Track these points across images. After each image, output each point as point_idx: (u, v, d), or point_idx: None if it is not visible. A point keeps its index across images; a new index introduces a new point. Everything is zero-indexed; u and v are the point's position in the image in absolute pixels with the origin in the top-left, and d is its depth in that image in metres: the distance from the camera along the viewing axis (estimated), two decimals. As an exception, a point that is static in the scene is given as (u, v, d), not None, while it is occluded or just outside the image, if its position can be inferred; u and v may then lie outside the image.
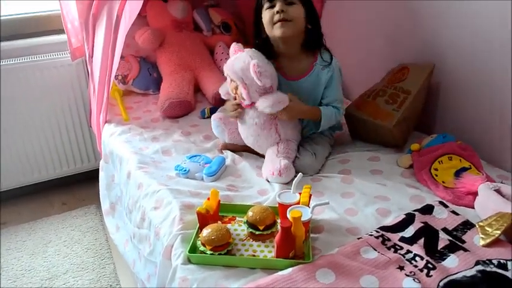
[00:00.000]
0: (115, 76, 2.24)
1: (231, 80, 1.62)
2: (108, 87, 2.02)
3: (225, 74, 1.64)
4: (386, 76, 1.92)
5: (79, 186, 2.74)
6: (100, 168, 2.11)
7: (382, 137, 1.78)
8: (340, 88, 1.75)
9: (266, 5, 1.62)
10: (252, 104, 1.60)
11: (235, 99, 1.67)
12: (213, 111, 2.11)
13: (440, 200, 1.41)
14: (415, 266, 1.14)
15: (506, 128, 1.61)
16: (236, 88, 1.61)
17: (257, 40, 1.71)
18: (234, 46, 1.67)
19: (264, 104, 1.56)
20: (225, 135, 1.79)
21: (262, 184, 1.57)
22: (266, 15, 1.62)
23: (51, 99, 2.49)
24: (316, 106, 1.71)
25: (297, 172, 1.53)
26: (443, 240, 1.21)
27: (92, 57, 2.22)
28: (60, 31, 2.38)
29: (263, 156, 1.71)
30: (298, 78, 1.70)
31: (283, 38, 1.62)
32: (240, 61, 1.58)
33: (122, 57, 2.23)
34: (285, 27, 1.58)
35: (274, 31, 1.61)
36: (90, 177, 2.60)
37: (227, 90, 1.71)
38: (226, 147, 1.83)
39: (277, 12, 1.57)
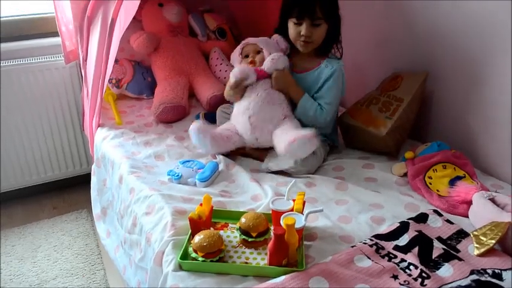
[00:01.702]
0: (109, 80, 2.22)
1: (255, 51, 1.80)
2: (101, 91, 2.00)
3: (250, 42, 1.83)
4: (380, 85, 1.92)
5: (70, 190, 2.71)
6: (92, 172, 2.09)
7: (375, 145, 1.77)
8: (336, 91, 1.74)
9: (294, 20, 1.70)
10: (266, 75, 1.73)
11: (252, 63, 1.78)
12: (207, 116, 2.10)
13: (434, 208, 1.40)
14: (409, 275, 1.13)
15: (500, 136, 1.61)
16: (257, 53, 1.80)
17: (279, 34, 1.82)
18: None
19: (269, 58, 1.74)
20: (208, 144, 1.70)
21: (256, 190, 1.55)
22: (292, 29, 1.73)
23: (44, 102, 2.46)
24: (303, 91, 1.75)
25: (294, 169, 1.62)
26: (438, 249, 1.21)
27: (86, 60, 2.20)
28: (55, 34, 2.36)
29: (257, 159, 1.74)
30: (303, 71, 1.79)
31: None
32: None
33: (116, 61, 2.22)
34: (307, 47, 1.73)
35: (297, 45, 1.76)
36: (82, 182, 2.57)
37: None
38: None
39: (303, 35, 1.68)
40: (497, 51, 1.56)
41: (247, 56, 1.82)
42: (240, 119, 1.73)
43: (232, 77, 1.73)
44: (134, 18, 1.83)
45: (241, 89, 1.74)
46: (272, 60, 1.74)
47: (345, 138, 1.91)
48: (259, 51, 1.80)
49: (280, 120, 1.69)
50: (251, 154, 1.80)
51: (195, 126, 1.70)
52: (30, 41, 2.43)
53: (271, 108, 1.70)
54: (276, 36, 1.81)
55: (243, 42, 1.86)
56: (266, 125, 1.68)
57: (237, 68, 1.76)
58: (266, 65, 1.74)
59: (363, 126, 1.75)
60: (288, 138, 1.55)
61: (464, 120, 1.74)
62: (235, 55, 1.87)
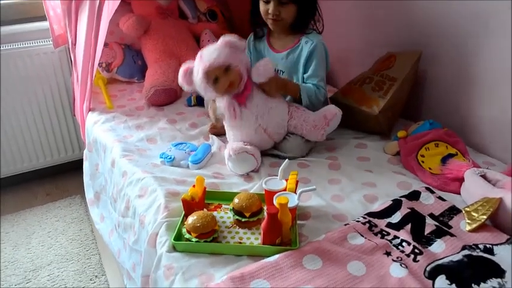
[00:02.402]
0: (99, 64, 2.20)
1: (222, 70, 1.48)
2: (91, 75, 1.99)
3: (209, 66, 1.47)
4: (374, 65, 1.92)
5: (63, 176, 2.71)
6: (84, 157, 2.08)
7: (368, 124, 1.77)
8: (322, 66, 1.74)
9: None
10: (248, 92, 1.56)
11: (231, 86, 1.52)
12: (199, 98, 2.09)
13: (426, 186, 1.41)
14: (402, 252, 1.13)
15: (492, 115, 1.62)
16: (226, 71, 1.49)
17: (253, 18, 1.80)
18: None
19: (255, 73, 1.54)
20: (255, 162, 1.55)
21: (248, 171, 1.56)
22: (261, 6, 1.70)
23: (34, 88, 2.44)
24: (296, 82, 1.74)
25: (284, 153, 1.61)
26: (430, 225, 1.21)
27: (75, 44, 2.18)
28: (42, 18, 2.33)
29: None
30: (283, 50, 1.78)
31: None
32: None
33: (105, 44, 2.19)
34: (276, 24, 1.71)
35: (267, 22, 1.74)
36: (74, 168, 2.56)
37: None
38: (215, 127, 1.82)
39: (270, 13, 1.67)
40: (490, 30, 1.56)
41: (216, 79, 1.49)
42: (254, 135, 1.60)
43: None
44: (123, 0, 1.80)
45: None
46: (263, 68, 1.54)
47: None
48: (227, 68, 1.48)
49: (286, 114, 1.66)
50: None
51: (231, 148, 1.53)
52: (17, 25, 2.40)
53: (277, 111, 1.62)
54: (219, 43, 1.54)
55: (205, 66, 1.47)
56: (279, 127, 1.64)
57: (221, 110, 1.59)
58: (256, 79, 1.55)
59: (356, 105, 1.75)
60: (320, 118, 1.61)
61: (456, 99, 1.74)
62: (202, 85, 1.51)
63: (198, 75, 1.49)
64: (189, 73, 1.54)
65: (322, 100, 1.75)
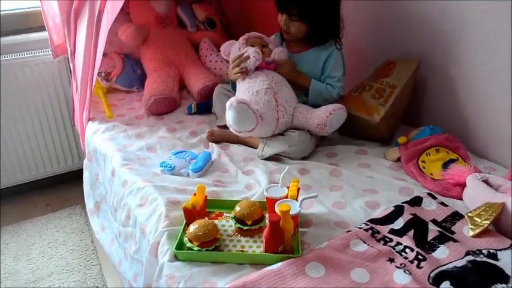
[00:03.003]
0: (98, 73, 2.20)
1: (261, 44, 1.81)
2: (91, 85, 1.99)
3: (255, 36, 1.84)
4: (374, 73, 1.91)
5: (63, 186, 2.70)
6: (84, 167, 2.07)
7: (368, 132, 1.77)
8: (340, 69, 1.81)
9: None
10: (271, 67, 1.74)
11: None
12: (200, 106, 2.09)
13: (428, 191, 1.40)
14: (406, 258, 1.13)
15: (492, 120, 1.62)
16: (263, 47, 1.80)
17: None
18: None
19: (279, 49, 1.78)
20: (253, 118, 1.60)
21: (249, 179, 1.55)
22: (279, 16, 1.79)
23: (33, 98, 2.44)
24: (308, 77, 1.79)
25: (289, 147, 1.65)
26: (433, 231, 1.21)
27: (74, 54, 2.18)
28: (41, 28, 2.33)
29: (251, 146, 1.76)
30: (299, 52, 1.85)
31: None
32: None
33: (105, 54, 2.19)
34: (287, 37, 1.83)
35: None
36: (74, 178, 2.56)
37: (229, 50, 1.86)
38: (213, 134, 1.82)
39: (281, 26, 1.78)
40: (490, 37, 1.56)
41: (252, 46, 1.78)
42: (264, 97, 1.65)
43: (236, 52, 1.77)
44: (122, 10, 1.81)
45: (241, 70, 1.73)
46: (282, 50, 1.78)
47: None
48: (264, 45, 1.82)
49: (293, 107, 1.70)
50: (245, 141, 1.79)
51: (236, 98, 1.58)
52: (16, 36, 2.40)
53: (289, 91, 1.72)
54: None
55: (247, 34, 1.84)
56: (288, 105, 1.68)
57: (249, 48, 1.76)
58: (277, 55, 1.76)
59: (356, 113, 1.74)
60: (324, 112, 1.64)
61: (457, 105, 1.74)
62: (237, 47, 1.83)
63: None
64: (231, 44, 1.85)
65: (335, 97, 1.79)
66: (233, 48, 1.85)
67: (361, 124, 1.75)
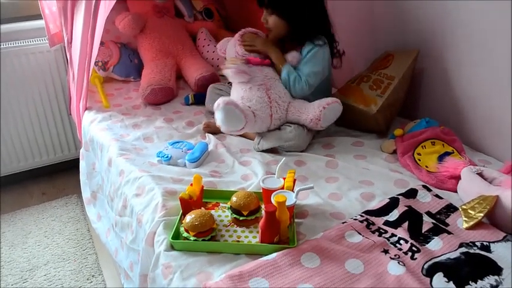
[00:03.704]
0: (95, 63, 2.19)
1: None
2: (87, 74, 1.98)
3: (250, 31, 1.84)
4: (372, 64, 1.92)
5: (59, 175, 2.69)
6: (80, 156, 2.07)
7: (365, 123, 1.77)
8: (314, 66, 1.72)
9: None
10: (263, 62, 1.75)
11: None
12: (197, 97, 2.09)
13: (423, 184, 1.41)
14: (400, 249, 1.14)
15: (488, 113, 1.62)
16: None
17: None
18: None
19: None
20: (242, 118, 1.60)
21: (246, 169, 1.55)
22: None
23: (29, 86, 2.43)
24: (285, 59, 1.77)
25: (285, 142, 1.65)
26: (427, 223, 1.22)
27: (71, 43, 2.17)
28: (38, 16, 2.31)
29: (248, 137, 1.76)
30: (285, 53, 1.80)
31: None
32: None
33: (102, 43, 2.18)
34: (268, 32, 1.80)
35: None
36: (71, 167, 2.56)
37: (225, 48, 1.86)
38: (209, 125, 1.82)
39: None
40: (487, 29, 1.56)
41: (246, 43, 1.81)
42: (256, 93, 1.67)
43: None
44: (119, -2, 1.80)
45: None
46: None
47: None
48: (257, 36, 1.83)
49: (287, 102, 1.70)
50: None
51: (223, 99, 1.58)
52: (12, 24, 2.38)
53: (283, 87, 1.72)
54: None
55: (242, 30, 1.84)
56: (281, 100, 1.68)
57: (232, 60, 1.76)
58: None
59: (354, 104, 1.75)
60: (318, 107, 1.63)
61: (453, 97, 1.75)
62: (232, 43, 1.83)
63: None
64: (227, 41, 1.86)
65: (297, 90, 1.72)
66: (229, 45, 1.85)
67: (358, 115, 1.76)
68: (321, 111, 1.62)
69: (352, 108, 1.75)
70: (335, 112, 1.66)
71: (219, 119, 1.59)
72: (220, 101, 1.57)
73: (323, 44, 1.73)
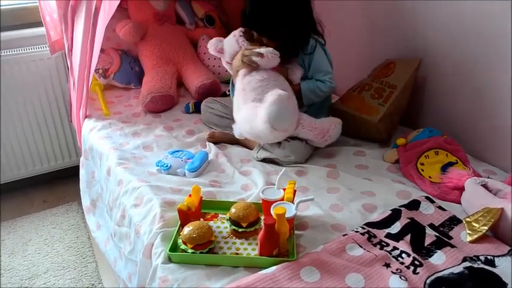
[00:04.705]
0: (95, 70, 2.19)
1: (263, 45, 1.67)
2: (88, 81, 1.97)
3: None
4: (373, 72, 1.90)
5: (60, 183, 2.68)
6: (80, 164, 2.06)
7: (367, 132, 1.75)
8: (326, 62, 1.73)
9: None
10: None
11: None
12: (197, 106, 2.07)
13: (426, 195, 1.39)
14: (402, 263, 1.11)
15: (492, 122, 1.60)
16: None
17: None
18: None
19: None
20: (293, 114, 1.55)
21: (246, 179, 1.54)
22: None
23: (30, 94, 2.42)
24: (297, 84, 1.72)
25: (285, 156, 1.61)
26: (430, 236, 1.19)
27: (72, 50, 2.16)
28: (38, 24, 2.31)
29: (247, 147, 1.74)
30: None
31: None
32: None
33: (102, 50, 2.18)
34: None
35: None
36: (72, 174, 2.54)
37: (220, 46, 1.76)
38: (214, 136, 1.80)
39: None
40: (490, 37, 1.54)
41: (251, 37, 1.70)
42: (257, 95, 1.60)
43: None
44: (120, 6, 1.79)
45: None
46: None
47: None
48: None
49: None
50: (241, 142, 1.77)
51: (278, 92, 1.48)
52: (13, 31, 2.38)
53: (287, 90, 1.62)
54: None
55: (240, 29, 1.75)
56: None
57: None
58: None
59: (356, 112, 1.73)
60: (329, 123, 1.64)
61: (456, 107, 1.73)
62: (233, 39, 1.73)
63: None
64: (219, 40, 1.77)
65: (327, 91, 1.72)
66: (228, 42, 1.74)
67: (359, 123, 1.74)
68: (326, 139, 1.63)
69: (353, 116, 1.73)
70: (337, 133, 1.67)
71: (270, 114, 1.44)
72: (275, 95, 1.45)
73: (321, 43, 1.73)
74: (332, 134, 1.64)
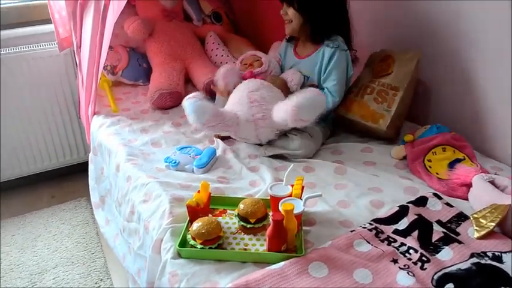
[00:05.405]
0: (104, 67, 2.19)
1: (255, 59, 1.93)
2: (96, 78, 1.98)
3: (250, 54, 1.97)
4: (370, 65, 1.86)
5: (68, 179, 2.71)
6: (89, 160, 2.08)
7: (375, 135, 1.75)
8: (339, 72, 1.74)
9: None
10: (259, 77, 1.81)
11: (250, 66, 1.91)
12: (204, 102, 2.08)
13: (434, 191, 1.39)
14: (409, 259, 1.12)
15: (500, 119, 1.60)
16: (256, 61, 1.92)
17: None
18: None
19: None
20: (209, 110, 1.58)
21: (254, 175, 1.54)
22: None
23: (39, 91, 2.44)
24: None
25: (292, 151, 1.62)
26: (438, 232, 1.20)
27: (80, 47, 2.17)
28: (47, 21, 2.33)
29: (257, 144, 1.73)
30: (305, 57, 1.84)
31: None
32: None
33: (110, 47, 2.19)
34: (287, 27, 1.81)
35: None
36: (80, 170, 2.56)
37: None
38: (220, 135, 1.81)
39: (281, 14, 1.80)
40: (497, 35, 1.53)
41: (245, 65, 1.92)
42: (237, 95, 1.71)
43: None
44: (128, 3, 1.79)
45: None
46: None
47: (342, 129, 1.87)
48: (257, 60, 1.91)
49: (274, 104, 1.63)
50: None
51: (191, 96, 1.60)
52: (22, 28, 2.40)
53: (269, 91, 1.68)
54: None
55: (241, 57, 1.98)
56: (265, 101, 1.63)
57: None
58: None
59: (361, 120, 1.71)
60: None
61: (464, 103, 1.72)
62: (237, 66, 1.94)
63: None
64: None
65: (329, 107, 1.73)
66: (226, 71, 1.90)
67: (366, 130, 1.74)
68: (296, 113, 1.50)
69: (359, 124, 1.73)
70: (312, 104, 1.53)
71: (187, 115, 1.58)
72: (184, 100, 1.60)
73: (343, 48, 1.74)
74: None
